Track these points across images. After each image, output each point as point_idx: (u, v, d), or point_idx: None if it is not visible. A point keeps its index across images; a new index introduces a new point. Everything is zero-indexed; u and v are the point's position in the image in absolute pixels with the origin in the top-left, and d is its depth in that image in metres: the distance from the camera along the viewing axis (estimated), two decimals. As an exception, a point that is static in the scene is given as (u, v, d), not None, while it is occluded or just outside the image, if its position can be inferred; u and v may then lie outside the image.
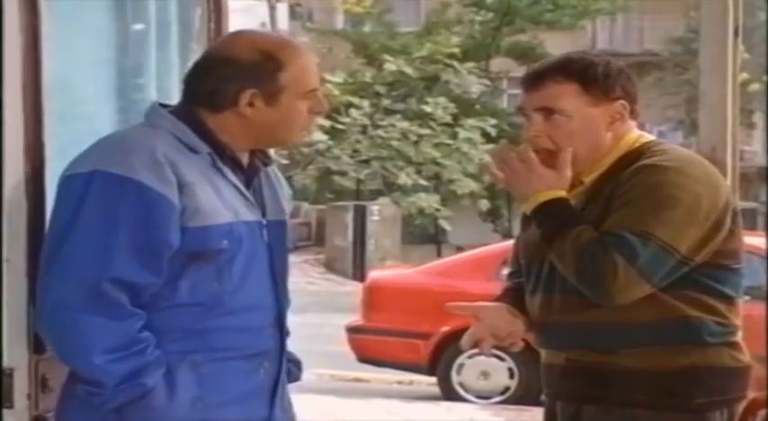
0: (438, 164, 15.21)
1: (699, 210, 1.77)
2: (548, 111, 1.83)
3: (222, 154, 1.70)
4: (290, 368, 1.85)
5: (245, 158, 1.74)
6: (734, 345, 1.85)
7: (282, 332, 1.74)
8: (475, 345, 1.94)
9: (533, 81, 1.85)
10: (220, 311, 1.65)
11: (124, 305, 1.60)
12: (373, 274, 7.36)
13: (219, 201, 1.66)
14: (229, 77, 1.68)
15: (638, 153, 1.84)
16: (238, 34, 1.80)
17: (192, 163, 1.66)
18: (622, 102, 1.85)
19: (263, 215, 1.73)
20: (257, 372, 1.70)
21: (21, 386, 1.70)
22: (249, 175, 1.74)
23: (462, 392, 6.28)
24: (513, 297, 1.96)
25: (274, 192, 1.78)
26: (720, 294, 1.83)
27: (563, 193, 1.82)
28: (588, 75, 1.83)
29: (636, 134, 1.88)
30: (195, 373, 1.64)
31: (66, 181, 1.65)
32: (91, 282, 1.58)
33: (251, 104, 1.68)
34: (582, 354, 1.84)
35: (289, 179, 17.08)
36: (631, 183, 1.78)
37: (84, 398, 1.63)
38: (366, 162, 15.38)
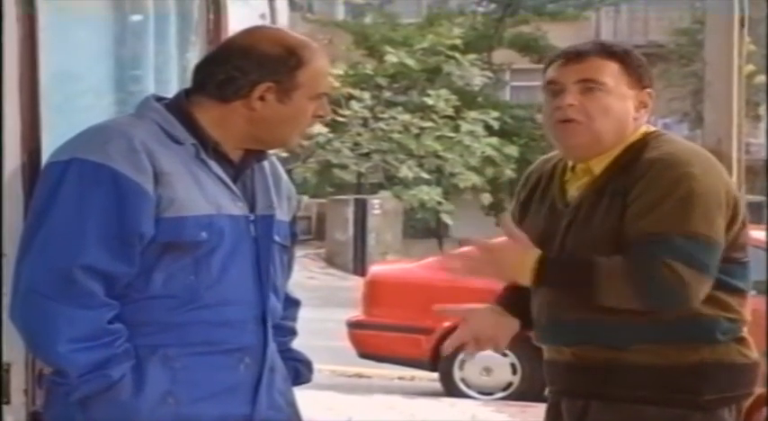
0: (440, 157, 15.17)
1: (720, 200, 1.78)
2: (589, 84, 1.83)
3: (207, 146, 1.68)
4: (299, 368, 1.84)
5: (236, 152, 1.71)
6: (742, 341, 1.84)
7: (266, 327, 1.71)
8: (458, 349, 1.95)
9: (576, 55, 1.86)
10: (196, 305, 1.63)
11: (96, 294, 1.58)
12: (374, 269, 7.34)
13: (199, 193, 1.64)
14: (247, 68, 1.66)
15: (643, 143, 1.84)
16: (260, 28, 1.80)
17: (173, 153, 1.64)
18: (649, 91, 1.88)
19: (253, 210, 1.71)
20: (237, 368, 1.68)
21: (17, 381, 1.69)
22: (238, 169, 1.71)
23: (464, 388, 6.26)
24: (510, 297, 1.95)
25: (267, 186, 1.75)
26: (733, 288, 1.82)
27: (537, 251, 1.81)
28: (628, 57, 1.86)
29: (644, 126, 1.88)
30: (167, 367, 1.62)
31: (47, 169, 1.64)
32: (62, 269, 1.57)
33: (262, 98, 1.67)
34: (589, 351, 1.82)
35: (289, 172, 17.03)
36: (647, 179, 1.77)
37: (52, 390, 1.62)
38: (367, 155, 15.34)
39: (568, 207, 1.85)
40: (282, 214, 1.77)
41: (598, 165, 1.85)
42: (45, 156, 1.72)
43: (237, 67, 1.66)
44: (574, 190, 1.86)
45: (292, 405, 1.79)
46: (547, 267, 1.79)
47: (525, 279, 1.81)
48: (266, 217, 1.73)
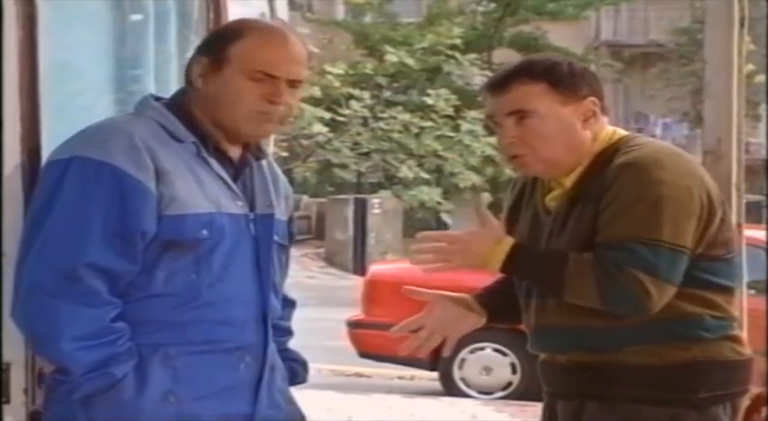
0: (440, 156, 15.17)
1: (692, 202, 1.76)
2: (519, 115, 1.80)
3: (207, 144, 1.67)
4: (295, 368, 1.83)
5: (235, 150, 1.71)
6: (735, 339, 1.84)
7: (267, 326, 1.71)
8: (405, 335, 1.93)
9: (500, 85, 1.82)
10: (197, 303, 1.63)
11: (100, 292, 1.58)
12: (374, 268, 7.35)
13: (200, 191, 1.63)
14: (197, 49, 1.69)
15: (615, 149, 1.81)
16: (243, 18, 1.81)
17: (174, 151, 1.64)
18: (592, 99, 1.82)
19: (252, 208, 1.70)
20: (237, 367, 1.67)
21: (17, 381, 1.68)
22: (238, 168, 1.71)
23: (464, 388, 6.26)
24: (486, 289, 1.96)
25: (266, 185, 1.75)
26: (718, 286, 1.81)
27: (511, 239, 1.80)
28: (554, 73, 1.80)
29: (610, 130, 1.86)
30: (168, 366, 1.62)
31: (47, 167, 1.64)
32: (66, 267, 1.57)
33: (202, 75, 1.67)
34: (582, 355, 1.82)
35: (289, 172, 17.03)
36: (617, 186, 1.75)
37: (54, 389, 1.61)
38: (367, 154, 15.34)
39: (549, 216, 1.85)
40: (281, 213, 1.77)
41: (568, 178, 1.83)
42: (45, 155, 1.71)
43: (194, 52, 1.70)
44: (551, 199, 1.86)
45: (292, 403, 1.79)
46: (518, 256, 1.78)
47: (496, 267, 1.79)
48: (266, 216, 1.73)
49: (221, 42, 1.66)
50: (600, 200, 1.76)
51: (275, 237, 1.74)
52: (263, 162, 1.77)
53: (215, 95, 1.66)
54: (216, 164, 1.68)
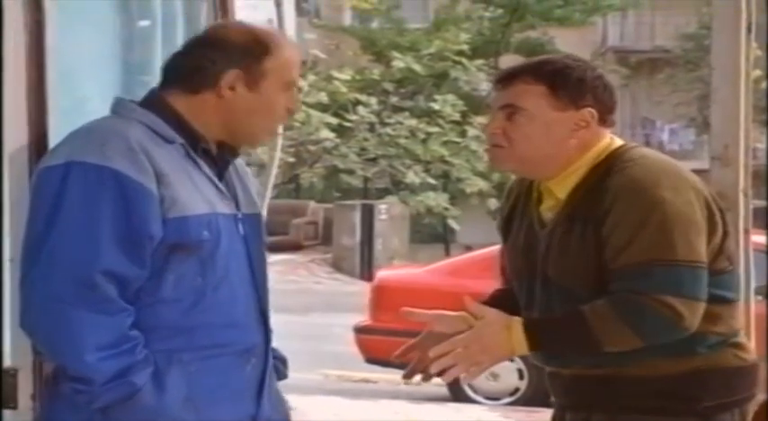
0: (446, 162, 15.16)
1: (695, 216, 1.74)
2: (510, 110, 1.80)
3: (195, 144, 1.67)
4: (278, 366, 1.81)
5: (213, 148, 1.71)
6: (738, 345, 1.83)
7: (267, 326, 1.71)
8: (405, 357, 1.92)
9: (504, 79, 1.83)
10: (203, 306, 1.62)
11: (115, 300, 1.56)
12: (381, 274, 7.33)
13: (196, 192, 1.63)
14: (215, 56, 1.66)
15: (608, 164, 1.79)
16: (227, 21, 1.82)
17: (166, 152, 1.62)
18: (590, 109, 1.80)
19: (237, 208, 1.70)
20: (245, 368, 1.67)
21: (24, 386, 1.69)
22: (221, 168, 1.70)
23: (471, 393, 6.25)
24: (494, 299, 1.93)
25: (244, 185, 1.75)
26: (722, 299, 1.80)
27: (518, 319, 1.76)
28: (559, 78, 1.79)
29: (606, 141, 1.83)
30: (184, 373, 1.61)
31: (42, 174, 1.60)
32: (82, 275, 1.54)
33: (232, 88, 1.65)
34: (586, 370, 1.81)
35: (296, 177, 16.90)
36: (619, 210, 1.72)
37: (69, 398, 1.59)
38: (374, 160, 15.34)
39: (544, 229, 1.83)
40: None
41: (559, 187, 1.81)
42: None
43: (205, 57, 1.66)
44: (546, 210, 1.84)
45: (282, 403, 1.79)
46: (538, 333, 1.74)
47: (522, 350, 1.75)
48: (253, 216, 1.73)
49: (256, 55, 1.66)
50: (600, 222, 1.73)
51: (264, 237, 1.74)
52: (237, 161, 1.76)
53: (245, 107, 1.66)
54: (204, 164, 1.67)
